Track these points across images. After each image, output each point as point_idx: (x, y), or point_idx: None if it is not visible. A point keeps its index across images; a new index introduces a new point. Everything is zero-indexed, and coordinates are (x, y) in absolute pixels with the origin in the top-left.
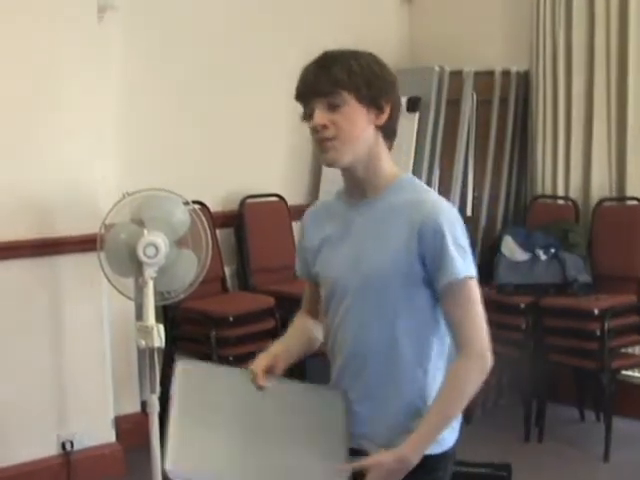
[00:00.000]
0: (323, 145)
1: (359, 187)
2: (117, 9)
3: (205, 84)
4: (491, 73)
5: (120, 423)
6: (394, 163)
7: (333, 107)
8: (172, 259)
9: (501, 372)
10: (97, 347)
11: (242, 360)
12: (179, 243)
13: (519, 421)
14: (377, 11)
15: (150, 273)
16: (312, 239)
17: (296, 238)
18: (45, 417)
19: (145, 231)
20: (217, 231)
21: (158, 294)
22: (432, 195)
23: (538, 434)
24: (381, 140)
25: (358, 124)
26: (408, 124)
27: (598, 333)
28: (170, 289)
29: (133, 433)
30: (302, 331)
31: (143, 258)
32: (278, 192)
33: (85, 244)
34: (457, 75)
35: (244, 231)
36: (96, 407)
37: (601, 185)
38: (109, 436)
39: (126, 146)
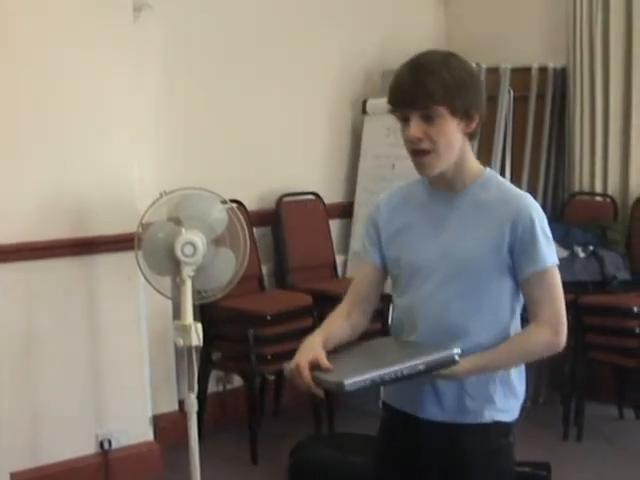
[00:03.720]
0: (418, 158)
1: (447, 183)
2: (153, 8)
3: (242, 83)
4: (528, 70)
5: (157, 422)
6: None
7: (427, 119)
8: (210, 258)
9: (539, 370)
10: (135, 346)
11: (280, 359)
12: (216, 242)
13: (558, 419)
14: (413, 9)
15: (188, 272)
16: (390, 223)
17: (362, 226)
18: (83, 416)
19: (183, 230)
20: (254, 230)
21: (195, 293)
22: (518, 191)
23: (577, 432)
24: (467, 142)
25: (451, 136)
26: None
27: (638, 330)
28: (207, 288)
29: (170, 432)
30: (342, 321)
31: (181, 257)
32: (315, 190)
33: (122, 243)
34: (494, 72)
35: (281, 230)
36: (134, 406)
37: None
38: (147, 435)
39: (163, 145)
